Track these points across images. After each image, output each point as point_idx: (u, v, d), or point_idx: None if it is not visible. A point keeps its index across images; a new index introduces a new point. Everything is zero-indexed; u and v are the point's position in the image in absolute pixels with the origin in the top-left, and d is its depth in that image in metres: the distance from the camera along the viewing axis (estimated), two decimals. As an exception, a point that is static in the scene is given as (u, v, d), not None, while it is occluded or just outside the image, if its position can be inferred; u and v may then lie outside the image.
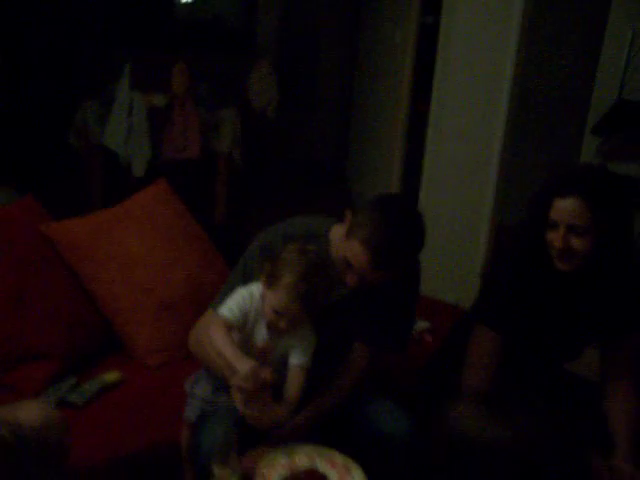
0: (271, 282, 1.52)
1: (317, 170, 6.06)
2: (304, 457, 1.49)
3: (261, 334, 1.58)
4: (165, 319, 2.13)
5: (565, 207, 1.60)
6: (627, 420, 1.75)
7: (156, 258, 2.18)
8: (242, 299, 1.57)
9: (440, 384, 1.96)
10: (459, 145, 3.40)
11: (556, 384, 1.89)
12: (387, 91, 4.47)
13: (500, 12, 3.18)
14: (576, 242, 1.61)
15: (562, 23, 3.85)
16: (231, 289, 1.62)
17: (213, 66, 4.80)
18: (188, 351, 1.80)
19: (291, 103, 5.58)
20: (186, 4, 5.90)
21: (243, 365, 1.44)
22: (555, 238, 1.63)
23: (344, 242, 1.58)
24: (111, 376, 1.98)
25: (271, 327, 1.56)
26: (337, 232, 1.68)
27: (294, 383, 1.55)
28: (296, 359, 1.57)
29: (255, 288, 1.58)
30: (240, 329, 1.56)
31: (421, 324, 2.41)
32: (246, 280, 1.64)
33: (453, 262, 3.49)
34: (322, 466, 1.47)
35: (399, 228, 1.55)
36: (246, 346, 1.55)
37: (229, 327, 1.53)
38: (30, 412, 1.46)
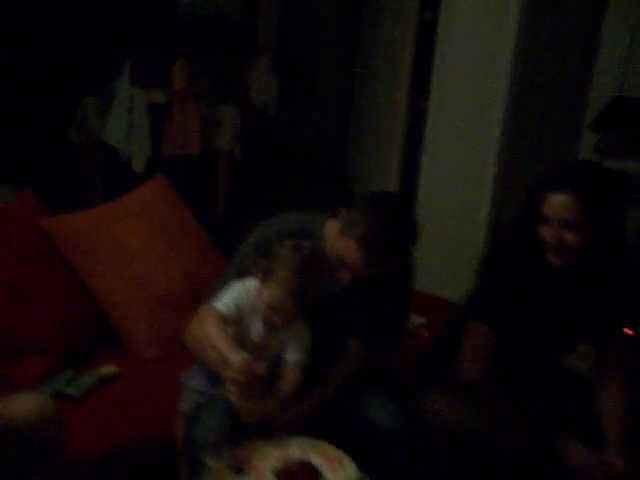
0: (266, 277, 1.53)
1: (317, 166, 6.06)
2: (297, 449, 1.50)
3: (257, 329, 1.59)
4: (162, 313, 2.14)
5: (557, 202, 1.62)
6: (618, 415, 1.77)
7: (153, 253, 2.20)
8: (237, 294, 1.58)
9: (435, 378, 1.97)
10: (457, 142, 3.41)
11: (550, 378, 1.90)
12: (387, 88, 4.48)
13: (498, 9, 3.19)
14: (569, 237, 1.63)
15: (560, 20, 3.85)
16: (226, 284, 1.63)
17: (213, 63, 4.80)
18: (184, 345, 1.81)
19: (291, 100, 5.57)
20: (187, 1, 5.90)
21: (237, 357, 1.45)
22: (548, 233, 1.65)
23: (338, 240, 1.60)
24: (108, 369, 1.99)
25: (267, 323, 1.57)
26: (331, 228, 1.69)
27: (289, 380, 1.56)
28: (292, 356, 1.58)
29: (250, 283, 1.59)
30: (235, 324, 1.57)
31: (417, 319, 2.43)
32: (241, 275, 1.65)
33: (451, 258, 3.50)
34: (314, 458, 1.48)
35: (393, 226, 1.56)
36: (241, 341, 1.55)
37: (224, 321, 1.54)
38: (25, 404, 1.47)
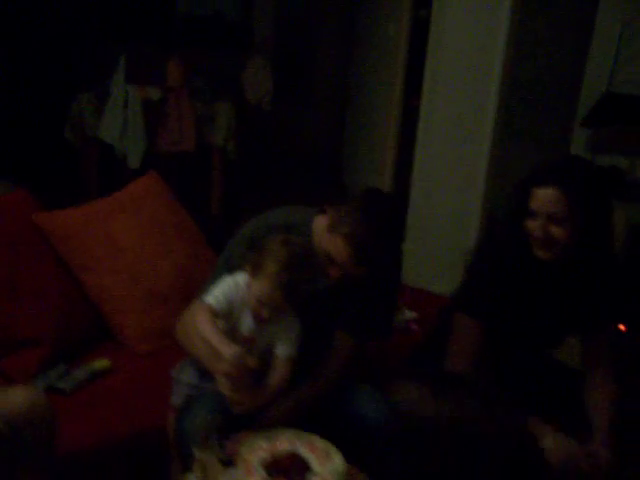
0: (255, 271, 1.55)
1: (312, 163, 6.07)
2: (285, 442, 1.52)
3: (247, 323, 1.60)
4: (154, 308, 2.16)
5: (543, 196, 1.64)
6: (605, 407, 1.78)
7: (145, 248, 2.21)
8: (228, 287, 1.59)
9: (425, 371, 1.99)
10: (450, 138, 3.42)
11: (539, 371, 1.92)
12: (381, 84, 4.49)
13: (490, 6, 3.19)
14: (555, 230, 1.65)
15: (552, 17, 3.86)
16: (217, 279, 1.65)
17: (208, 59, 4.81)
18: (175, 339, 1.83)
19: (287, 96, 5.59)
20: (183, -2, 5.91)
21: (229, 350, 1.47)
22: (534, 227, 1.67)
23: (326, 237, 1.60)
24: (100, 364, 2.01)
25: (256, 316, 1.58)
26: (319, 223, 1.69)
27: (279, 373, 1.58)
28: (282, 350, 1.60)
29: (241, 277, 1.60)
30: (226, 318, 1.58)
31: (408, 314, 2.44)
32: (230, 270, 1.66)
33: (444, 254, 3.51)
34: (303, 451, 1.49)
35: (381, 224, 1.56)
36: (232, 335, 1.57)
37: (214, 314, 1.55)
38: (17, 398, 1.48)
